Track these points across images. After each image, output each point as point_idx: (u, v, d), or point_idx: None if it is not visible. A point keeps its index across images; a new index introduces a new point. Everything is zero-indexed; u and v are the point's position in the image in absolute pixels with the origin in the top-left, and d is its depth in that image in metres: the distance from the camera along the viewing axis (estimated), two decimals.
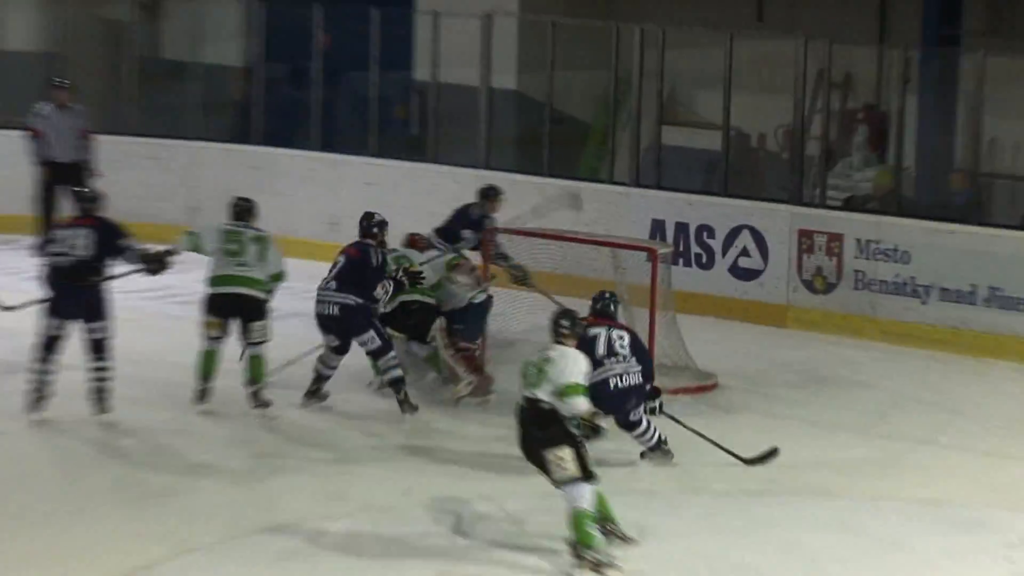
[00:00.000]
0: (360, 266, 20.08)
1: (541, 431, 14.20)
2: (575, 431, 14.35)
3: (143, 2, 33.50)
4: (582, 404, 14.29)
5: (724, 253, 24.53)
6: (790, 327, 23.93)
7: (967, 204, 24.82)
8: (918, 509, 16.75)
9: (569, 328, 14.94)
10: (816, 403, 20.39)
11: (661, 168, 26.55)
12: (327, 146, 29.44)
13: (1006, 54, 24.92)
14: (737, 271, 24.45)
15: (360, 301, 20.16)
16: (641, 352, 17.88)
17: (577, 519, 13.88)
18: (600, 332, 17.51)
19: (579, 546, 13.95)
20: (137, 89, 32.03)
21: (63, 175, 27.42)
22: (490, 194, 22.40)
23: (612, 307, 18.09)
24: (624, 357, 17.50)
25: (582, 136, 29.85)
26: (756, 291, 24.29)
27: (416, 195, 26.83)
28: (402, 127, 31.51)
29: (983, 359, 22.37)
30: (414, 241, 21.94)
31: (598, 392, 16.21)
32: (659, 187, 25.89)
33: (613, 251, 21.53)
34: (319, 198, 28.52)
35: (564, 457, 14.00)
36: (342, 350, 20.33)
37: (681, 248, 24.39)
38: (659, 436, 17.97)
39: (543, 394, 14.21)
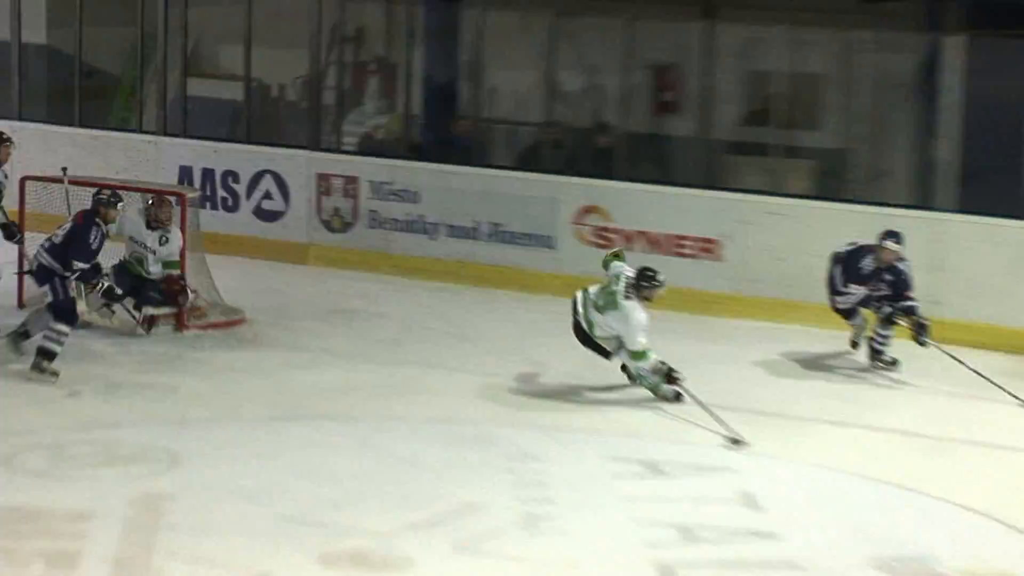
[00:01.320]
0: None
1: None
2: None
3: None
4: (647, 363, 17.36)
5: (248, 196, 25.51)
6: (312, 264, 24.94)
7: (470, 147, 26.13)
8: (429, 427, 17.93)
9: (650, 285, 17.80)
10: (337, 334, 21.39)
11: (187, 118, 27.20)
12: None
13: (503, 9, 25.98)
14: (261, 213, 25.39)
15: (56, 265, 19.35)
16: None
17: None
18: None
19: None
20: None
21: None
22: None
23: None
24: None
25: (112, 89, 29.63)
26: (279, 231, 25.22)
27: None
28: None
29: (487, 289, 23.69)
30: None
31: None
32: (186, 135, 26.54)
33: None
34: None
35: None
36: None
37: (208, 192, 25.20)
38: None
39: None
